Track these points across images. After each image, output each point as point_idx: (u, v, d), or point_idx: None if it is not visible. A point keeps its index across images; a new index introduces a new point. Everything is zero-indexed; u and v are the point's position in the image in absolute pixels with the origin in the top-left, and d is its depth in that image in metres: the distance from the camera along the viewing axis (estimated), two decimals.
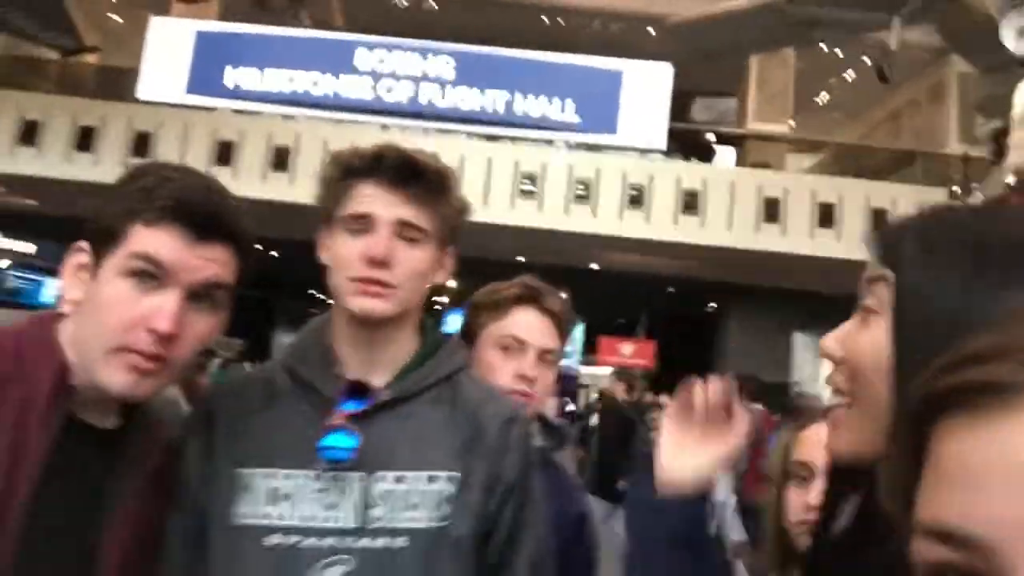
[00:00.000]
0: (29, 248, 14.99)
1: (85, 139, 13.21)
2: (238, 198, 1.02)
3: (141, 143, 13.16)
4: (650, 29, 15.79)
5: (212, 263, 0.94)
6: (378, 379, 1.09)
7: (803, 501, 1.23)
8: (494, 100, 13.50)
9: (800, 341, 14.70)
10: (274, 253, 15.10)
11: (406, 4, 16.44)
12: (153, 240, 0.91)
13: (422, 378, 1.11)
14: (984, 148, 12.86)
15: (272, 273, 15.73)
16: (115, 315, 0.89)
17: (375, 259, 1.05)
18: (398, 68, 13.56)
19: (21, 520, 0.83)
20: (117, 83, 14.51)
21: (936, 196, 12.32)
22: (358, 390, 1.06)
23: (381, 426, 1.05)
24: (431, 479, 1.05)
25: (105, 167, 13.09)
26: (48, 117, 13.27)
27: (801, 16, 11.47)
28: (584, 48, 14.52)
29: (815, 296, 13.99)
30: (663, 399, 9.22)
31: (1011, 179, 3.89)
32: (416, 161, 1.09)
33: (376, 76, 13.52)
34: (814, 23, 11.66)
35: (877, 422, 0.61)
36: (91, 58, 15.02)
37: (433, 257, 1.11)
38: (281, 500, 1.02)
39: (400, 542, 1.02)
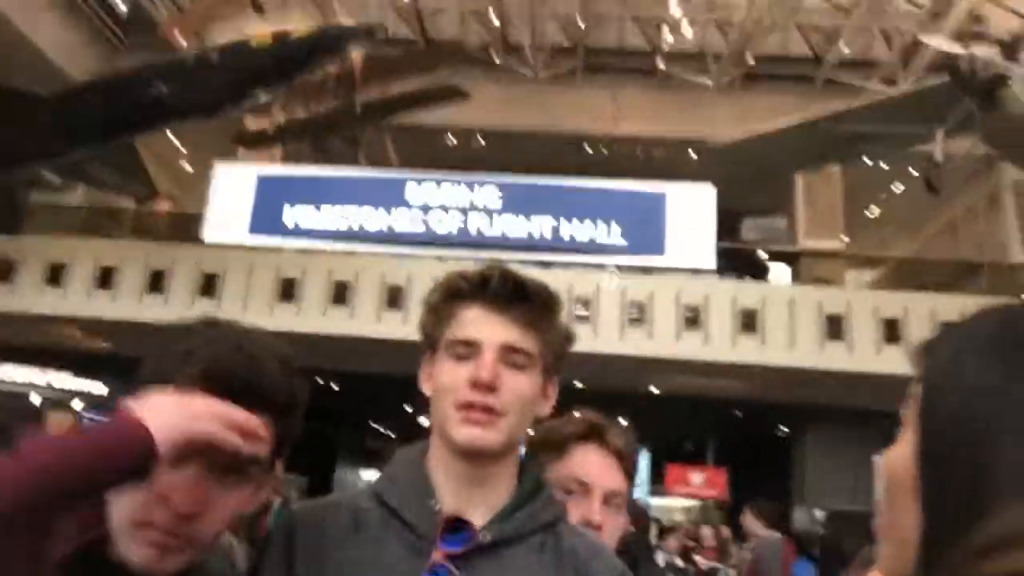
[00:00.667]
0: (102, 390, 15.47)
1: (156, 281, 13.86)
2: (282, 356, 0.95)
3: (208, 284, 13.74)
4: (692, 153, 16.19)
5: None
6: (476, 518, 1.00)
7: None
8: (540, 226, 13.83)
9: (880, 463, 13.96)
10: (334, 386, 15.25)
11: (455, 142, 17.26)
12: None
13: (524, 522, 1.02)
14: None
15: (333, 407, 15.85)
16: (135, 490, 0.83)
17: (481, 383, 0.99)
18: (447, 200, 14.08)
19: None
20: (187, 227, 15.37)
21: None
22: (457, 528, 0.99)
23: (480, 571, 0.96)
24: None
25: (174, 308, 13.64)
26: (123, 262, 14.02)
27: (842, 133, 11.64)
28: (627, 175, 14.93)
29: (893, 416, 13.38)
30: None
31: None
32: (522, 283, 1.06)
33: (426, 209, 14.04)
34: (856, 139, 11.81)
35: (902, 549, 0.53)
36: (165, 205, 15.99)
37: (539, 384, 1.05)
38: None
39: None
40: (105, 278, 13.92)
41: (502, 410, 1.00)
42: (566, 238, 13.75)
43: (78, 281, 13.74)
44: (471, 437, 0.99)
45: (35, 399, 14.63)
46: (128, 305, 13.68)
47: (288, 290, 13.71)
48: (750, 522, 5.96)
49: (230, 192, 14.30)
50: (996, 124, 9.82)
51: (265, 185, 14.41)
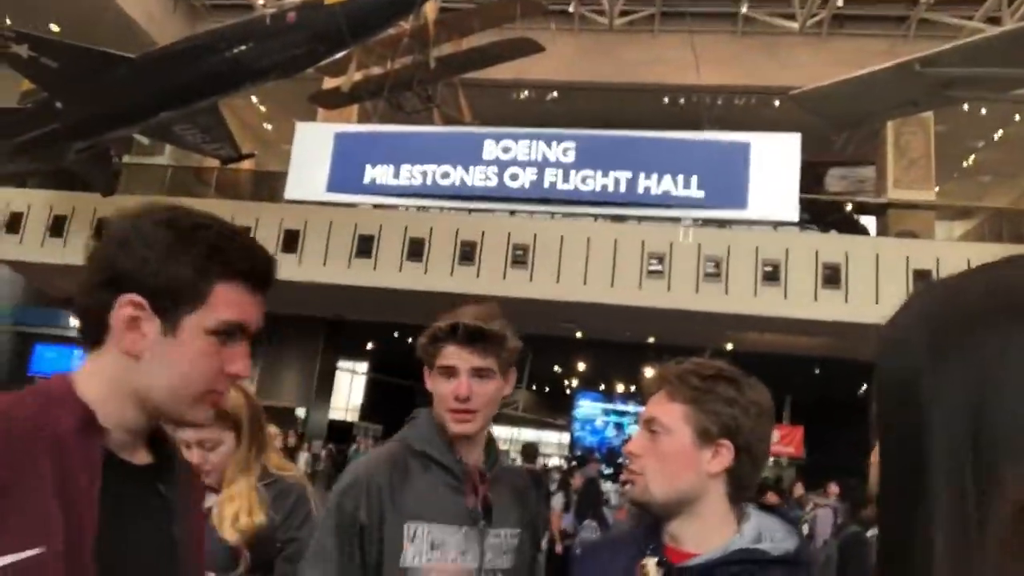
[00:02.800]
0: None
1: None
2: None
3: (291, 239, 14.16)
4: (776, 102, 15.58)
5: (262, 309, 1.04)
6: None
7: None
8: (616, 181, 13.62)
9: None
10: (411, 340, 15.62)
11: (530, 96, 17.09)
12: (237, 304, 0.96)
13: (498, 466, 1.65)
14: None
15: (413, 360, 16.25)
16: (203, 366, 0.95)
17: (460, 397, 1.53)
18: (522, 156, 14.02)
19: (96, 558, 0.84)
20: (269, 185, 15.82)
21: None
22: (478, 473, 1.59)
23: (493, 493, 1.57)
24: (513, 535, 1.59)
25: None
26: None
27: (938, 76, 10.96)
28: (709, 125, 14.49)
29: None
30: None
31: None
32: (481, 329, 1.55)
33: (501, 165, 14.02)
34: (954, 82, 11.10)
35: None
36: (247, 164, 16.49)
37: (499, 385, 1.60)
38: (438, 547, 1.48)
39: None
40: None
41: (476, 409, 1.55)
42: (641, 191, 13.53)
43: None
44: (458, 430, 1.56)
45: None
46: None
47: (365, 246, 14.01)
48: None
49: (310, 150, 14.61)
50: None
51: (343, 143, 14.66)
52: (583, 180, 13.68)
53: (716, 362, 1.28)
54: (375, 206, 14.87)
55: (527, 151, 14.03)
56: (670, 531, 1.21)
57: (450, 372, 1.56)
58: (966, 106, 14.13)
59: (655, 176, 13.48)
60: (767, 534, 1.17)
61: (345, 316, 16.54)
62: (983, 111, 14.91)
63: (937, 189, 15.77)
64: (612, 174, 13.64)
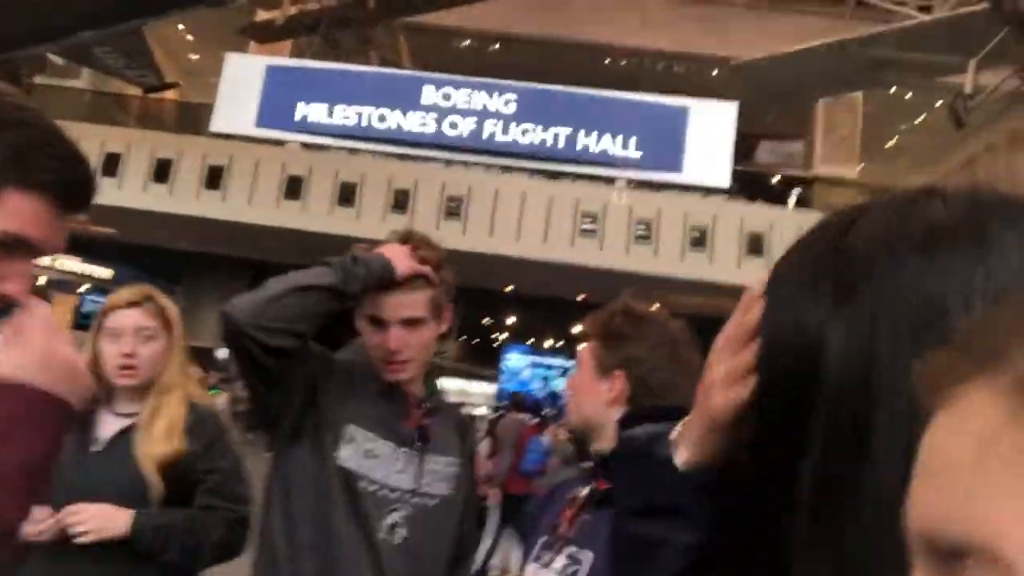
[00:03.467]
0: (107, 273, 15.62)
1: (162, 171, 13.78)
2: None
3: (214, 176, 13.66)
4: (715, 71, 15.75)
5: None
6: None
7: None
8: (556, 136, 13.62)
9: None
10: None
11: (471, 45, 16.78)
12: (27, 217, 0.83)
13: (437, 398, 1.65)
14: None
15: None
16: None
17: (391, 349, 1.48)
18: (462, 104, 13.81)
19: None
20: (193, 118, 15.15)
21: None
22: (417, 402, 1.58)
23: (430, 425, 1.56)
24: (449, 463, 1.57)
25: (179, 199, 13.61)
26: (129, 149, 13.90)
27: (871, 58, 11.26)
28: (647, 89, 14.55)
29: None
30: None
31: None
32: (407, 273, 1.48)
33: (441, 112, 13.79)
34: (885, 65, 11.44)
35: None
36: (170, 94, 15.72)
37: (433, 331, 1.54)
38: (372, 457, 1.47)
39: (433, 503, 1.52)
40: (111, 165, 13.83)
41: (409, 358, 1.50)
42: (580, 149, 13.55)
43: None
44: (393, 379, 1.51)
45: (42, 280, 14.82)
46: (133, 193, 13.64)
47: (294, 187, 13.63)
48: None
49: (239, 83, 14.03)
50: None
51: (275, 77, 14.12)
52: (523, 133, 13.60)
53: (633, 304, 1.32)
54: (304, 146, 14.45)
55: (467, 99, 13.83)
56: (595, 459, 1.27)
57: (378, 322, 1.48)
58: (893, 89, 14.60)
59: (595, 134, 13.51)
60: None
61: (270, 259, 16.16)
62: (908, 96, 15.43)
63: (861, 167, 16.34)
64: (552, 129, 13.61)
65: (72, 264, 15.50)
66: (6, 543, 0.75)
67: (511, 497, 6.63)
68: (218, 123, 14.03)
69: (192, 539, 1.68)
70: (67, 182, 0.84)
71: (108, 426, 1.75)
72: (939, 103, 15.75)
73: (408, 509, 1.48)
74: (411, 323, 1.49)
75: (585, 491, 1.26)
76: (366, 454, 1.46)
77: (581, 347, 1.36)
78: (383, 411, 1.51)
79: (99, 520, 1.62)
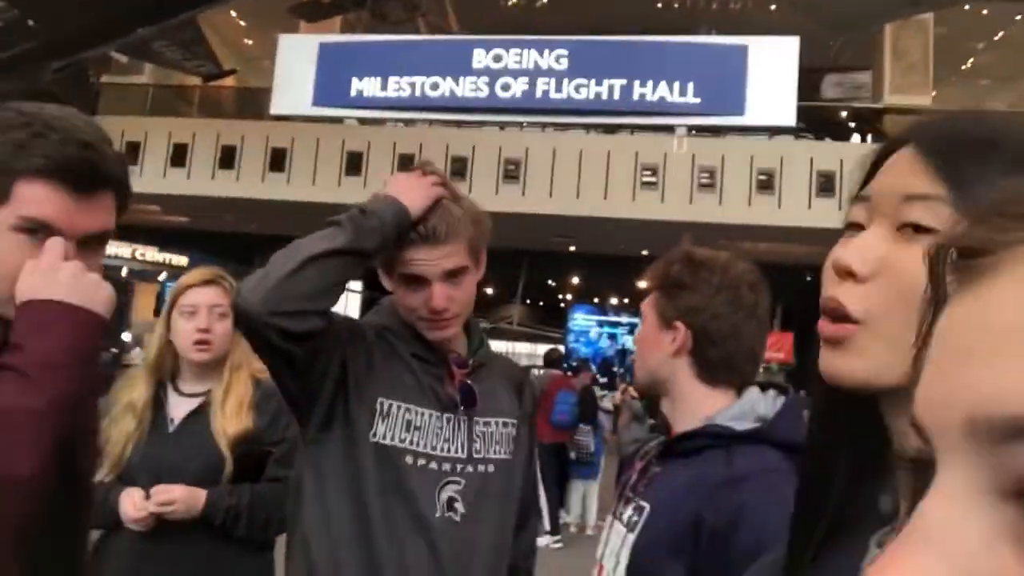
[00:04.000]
0: (183, 260, 16.23)
1: (227, 157, 14.13)
2: (101, 132, 0.99)
3: (277, 158, 13.93)
4: (773, 5, 15.11)
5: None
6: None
7: None
8: (610, 88, 13.33)
9: None
10: None
11: (517, 3, 16.52)
12: (41, 202, 0.92)
13: (485, 353, 1.49)
14: None
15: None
16: (7, 263, 0.92)
17: (436, 309, 1.34)
18: (513, 65, 13.65)
19: None
20: (253, 103, 15.44)
21: None
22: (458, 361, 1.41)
23: (475, 381, 1.40)
24: (504, 424, 1.43)
25: (245, 183, 13.96)
26: (194, 139, 14.30)
27: None
28: (703, 31, 14.08)
29: None
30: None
31: None
32: (444, 226, 1.33)
33: (492, 75, 13.68)
34: None
35: (896, 353, 0.51)
36: (230, 81, 16.06)
37: (474, 277, 1.41)
38: (416, 429, 1.33)
39: (490, 469, 1.38)
40: (179, 156, 14.26)
41: (454, 314, 1.37)
42: (636, 99, 13.25)
43: (153, 159, 14.12)
44: (438, 336, 1.38)
45: (124, 271, 15.49)
46: (202, 181, 14.06)
47: (355, 163, 13.80)
48: None
49: (294, 64, 14.21)
50: None
51: (327, 55, 14.23)
52: (576, 89, 13.37)
53: (691, 250, 1.27)
54: (361, 122, 14.57)
55: (518, 59, 13.66)
56: (664, 414, 1.26)
57: (416, 280, 1.34)
58: (967, 6, 13.74)
59: (650, 83, 13.18)
60: (750, 414, 1.16)
61: None
62: (984, 12, 14.50)
63: (934, 94, 15.50)
64: (606, 82, 13.32)
65: (151, 254, 16.17)
66: (19, 495, 0.80)
67: (540, 446, 6.89)
68: (277, 105, 14.27)
69: (262, 512, 1.76)
70: (66, 163, 0.92)
71: (179, 407, 1.83)
72: (1019, 16, 14.78)
73: (464, 480, 1.34)
74: (453, 275, 1.34)
75: (654, 444, 1.26)
76: (407, 426, 1.32)
77: (645, 300, 1.33)
78: (420, 376, 1.36)
79: (186, 500, 1.69)
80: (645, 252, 13.94)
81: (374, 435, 1.30)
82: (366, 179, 13.68)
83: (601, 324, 21.36)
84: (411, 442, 1.31)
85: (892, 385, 0.53)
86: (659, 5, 15.95)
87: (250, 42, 18.36)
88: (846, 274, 0.57)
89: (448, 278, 1.34)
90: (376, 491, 1.29)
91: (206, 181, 14.06)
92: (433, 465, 1.32)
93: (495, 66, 13.72)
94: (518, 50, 13.68)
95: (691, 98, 13.09)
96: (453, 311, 1.35)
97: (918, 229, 0.55)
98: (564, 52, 13.53)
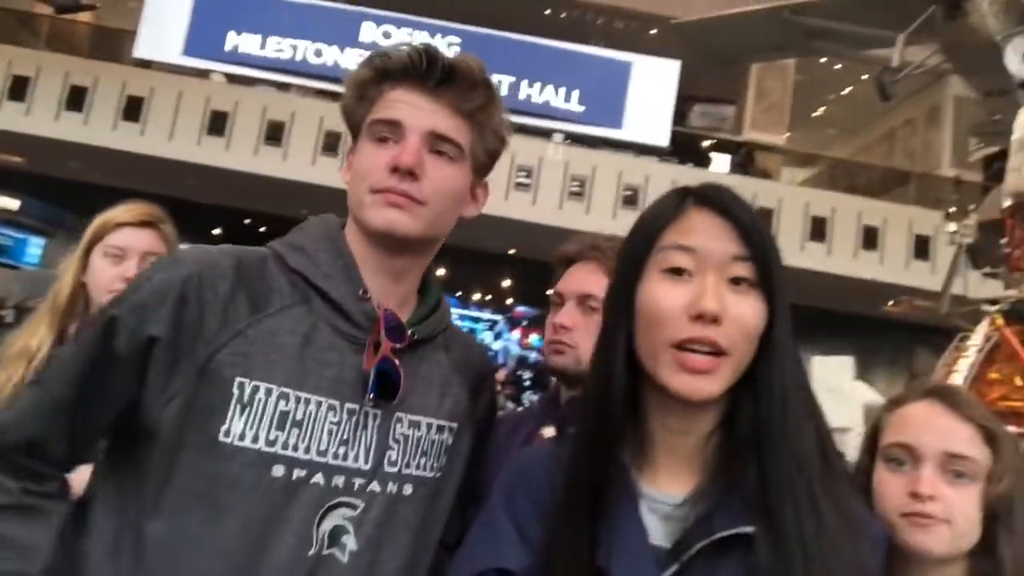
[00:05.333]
0: (13, 204, 14.77)
1: (76, 98, 12.99)
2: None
3: (133, 107, 12.96)
4: (653, 29, 15.73)
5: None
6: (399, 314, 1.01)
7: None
8: (498, 83, 13.35)
9: None
10: (263, 229, 14.98)
11: None
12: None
13: (436, 324, 1.05)
14: (975, 172, 12.93)
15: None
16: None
17: (402, 168, 0.94)
18: (403, 43, 13.45)
19: None
20: (110, 45, 14.28)
21: (928, 217, 12.38)
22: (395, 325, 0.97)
23: (405, 364, 0.97)
24: (439, 429, 1.02)
25: (94, 128, 12.89)
26: (38, 74, 13.04)
27: (805, 26, 11.44)
28: (586, 41, 14.45)
29: (805, 309, 13.96)
30: None
31: (1008, 202, 3.88)
32: (460, 67, 0.99)
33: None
34: (817, 34, 11.64)
35: (737, 373, 0.82)
36: (84, 17, 14.77)
37: (467, 180, 1.02)
38: (290, 426, 0.89)
39: (407, 489, 0.97)
40: (18, 88, 12.95)
41: (423, 199, 0.96)
42: (523, 98, 13.41)
43: None
44: (389, 219, 0.95)
45: None
46: (44, 121, 12.85)
47: (218, 123, 13.08)
48: None
49: (165, 7, 13.26)
50: (956, 36, 9.81)
51: (205, 2, 13.38)
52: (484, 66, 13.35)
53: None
54: (229, 79, 13.83)
55: (409, 39, 13.43)
56: None
57: (392, 131, 0.96)
58: (823, 59, 14.89)
59: (538, 85, 13.38)
60: None
61: (190, 197, 15.56)
62: (837, 66, 15.79)
63: (788, 135, 16.73)
64: (496, 76, 13.33)
65: None
66: None
67: None
68: (141, 49, 13.27)
69: None
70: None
71: None
72: (865, 76, 16.20)
73: (364, 502, 0.93)
74: (441, 143, 0.98)
75: (549, 430, 1.25)
76: (281, 421, 0.89)
77: (595, 284, 1.32)
78: (320, 343, 0.93)
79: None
80: (512, 251, 14.14)
81: (227, 433, 0.87)
82: (229, 141, 13.01)
83: (463, 318, 21.46)
84: (284, 444, 0.89)
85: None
86: (547, 11, 16.21)
87: None
88: (712, 319, 0.79)
89: (433, 140, 0.97)
90: (209, 518, 0.86)
91: (48, 121, 12.86)
92: (317, 479, 0.90)
93: (384, 42, 13.43)
94: (409, 30, 13.50)
95: (575, 105, 13.42)
96: (423, 192, 0.95)
97: (740, 281, 0.82)
98: (457, 40, 13.47)
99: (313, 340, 0.93)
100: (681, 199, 0.88)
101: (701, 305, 0.79)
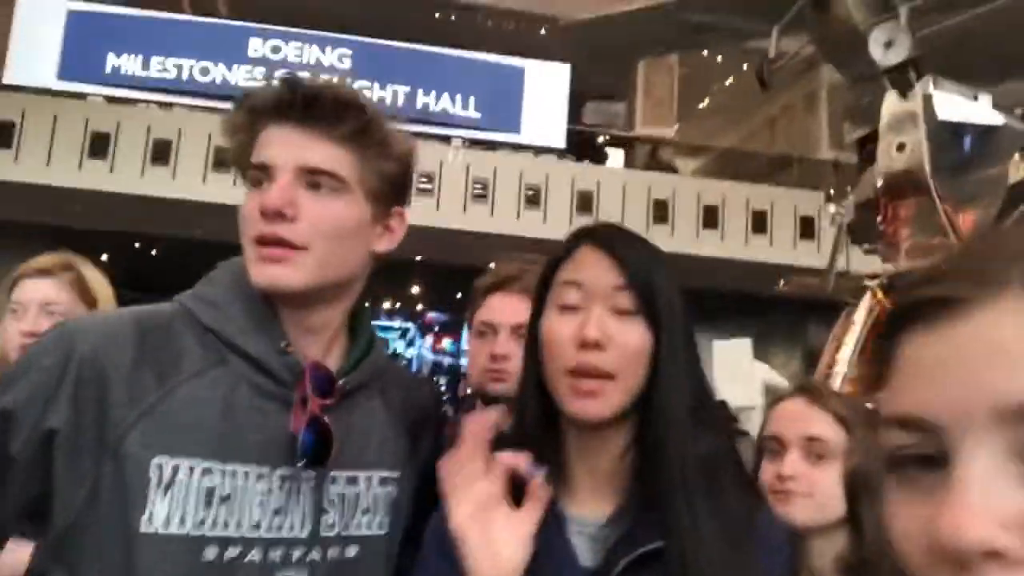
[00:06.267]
0: None
1: None
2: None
3: (5, 132, 12.17)
4: (543, 30, 15.97)
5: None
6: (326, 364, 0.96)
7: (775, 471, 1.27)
8: (394, 94, 13.33)
9: None
10: (153, 252, 14.36)
11: None
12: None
13: (370, 369, 1.00)
14: (852, 154, 13.73)
15: (147, 273, 14.92)
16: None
17: (267, 210, 0.86)
18: (292, 58, 13.16)
19: None
20: None
21: (811, 199, 13.07)
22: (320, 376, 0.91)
23: (336, 418, 0.91)
24: (382, 481, 0.96)
25: None
26: None
27: (687, 22, 11.87)
28: (476, 46, 14.54)
29: (705, 293, 14.45)
30: None
31: (880, 182, 4.16)
32: (325, 92, 0.93)
33: (269, 66, 13.07)
34: (700, 29, 12.10)
35: (627, 396, 0.88)
36: None
37: (360, 213, 0.94)
38: (218, 503, 0.83)
39: (352, 552, 0.92)
40: None
41: (301, 243, 0.88)
42: (420, 107, 13.36)
43: None
44: (269, 277, 0.88)
45: None
46: None
47: (100, 145, 12.44)
48: None
49: (35, 30, 12.52)
50: (825, 26, 10.38)
51: (78, 24, 12.71)
52: (360, 90, 13.18)
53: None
54: (109, 100, 13.19)
55: (299, 53, 13.19)
56: None
57: (263, 175, 0.91)
58: (705, 52, 15.49)
59: (434, 93, 13.36)
60: None
61: (74, 225, 14.74)
62: (718, 58, 16.46)
63: (677, 127, 17.30)
64: (391, 87, 13.30)
65: None
66: None
67: None
68: (12, 74, 12.48)
69: None
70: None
71: None
72: (745, 66, 16.95)
73: (308, 572, 0.89)
74: (314, 175, 0.91)
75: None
76: (207, 499, 0.83)
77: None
78: (237, 406, 0.87)
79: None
80: (419, 258, 14.04)
81: (149, 520, 0.81)
82: (112, 164, 12.40)
83: (374, 328, 21.21)
84: (214, 523, 0.83)
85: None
86: (437, 15, 16.19)
87: None
88: (594, 345, 0.86)
89: (307, 175, 0.90)
90: None
91: None
92: (254, 556, 0.85)
93: (273, 57, 13.12)
94: (299, 43, 13.22)
95: (472, 112, 13.48)
96: (298, 234, 0.88)
97: (624, 311, 0.89)
98: (348, 52, 13.29)
99: (234, 404, 0.86)
100: (577, 239, 0.97)
101: (583, 334, 0.88)
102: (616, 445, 0.90)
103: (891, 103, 4.33)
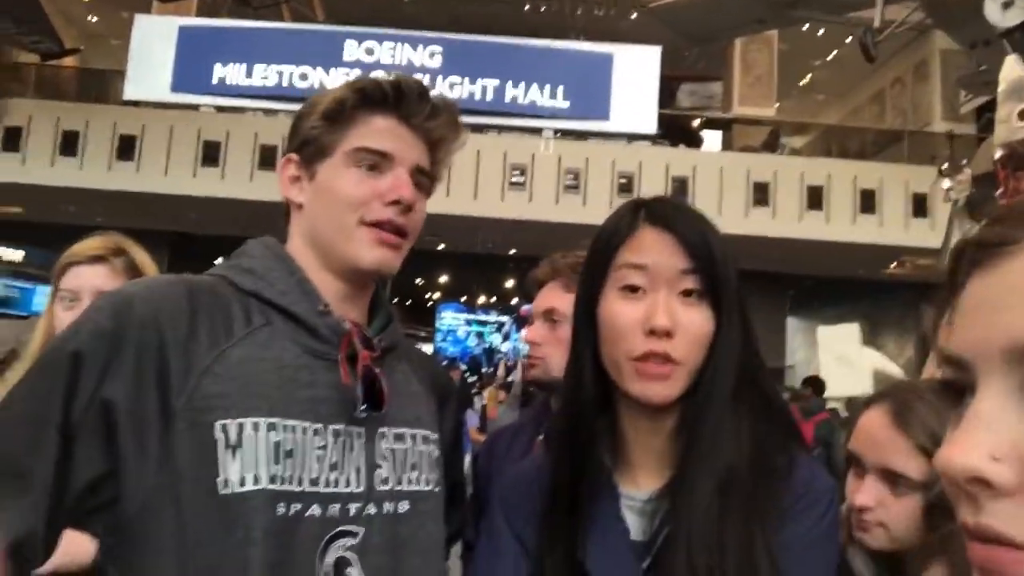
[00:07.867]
0: (17, 256, 14.87)
1: (69, 143, 13.09)
2: None
3: (126, 146, 13.05)
4: (634, 14, 15.74)
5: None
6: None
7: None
8: (483, 88, 13.47)
9: (792, 325, 14.72)
10: None
11: None
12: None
13: (395, 333, 1.01)
14: (968, 125, 12.89)
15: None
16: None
17: (404, 202, 0.94)
18: (385, 59, 13.50)
19: None
20: (99, 85, 14.39)
21: (924, 174, 12.36)
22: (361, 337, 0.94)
23: (376, 376, 0.93)
24: (425, 439, 0.99)
25: (89, 172, 12.99)
26: (30, 122, 13.14)
27: None
28: (568, 35, 14.49)
29: (806, 279, 13.97)
30: None
31: (999, 153, 3.88)
32: (438, 102, 1.01)
33: (364, 68, 13.47)
34: (796, 3, 11.63)
35: (690, 380, 0.88)
36: (69, 61, 14.87)
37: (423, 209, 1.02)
38: (283, 457, 0.82)
39: (404, 507, 0.92)
40: (11, 140, 13.06)
41: (409, 232, 0.97)
42: (508, 100, 13.45)
43: None
44: (382, 260, 0.95)
45: None
46: (39, 169, 12.95)
47: (212, 153, 13.15)
48: None
49: (150, 46, 13.36)
50: None
51: (188, 38, 13.48)
52: (451, 87, 13.40)
53: None
54: (219, 110, 13.91)
55: (391, 54, 13.52)
56: None
57: (380, 159, 0.95)
58: (806, 26, 14.87)
59: (523, 85, 13.42)
60: None
61: (192, 231, 15.66)
62: (820, 32, 15.77)
63: (777, 105, 16.70)
64: (480, 81, 13.44)
65: None
66: None
67: None
68: (131, 90, 13.37)
69: None
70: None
71: None
72: (849, 38, 16.17)
73: (364, 528, 0.88)
74: (423, 178, 1.00)
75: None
76: (275, 454, 0.82)
77: (557, 299, 1.44)
78: (292, 364, 0.88)
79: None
80: (513, 251, 14.17)
81: (225, 484, 0.80)
82: (223, 171, 13.08)
83: (469, 323, 21.47)
84: (283, 479, 0.82)
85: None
86: (527, 8, 16.24)
87: (94, 19, 17.08)
88: (664, 333, 0.86)
89: (417, 175, 0.98)
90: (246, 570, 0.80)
91: (44, 168, 12.96)
92: (313, 511, 0.84)
93: (367, 59, 13.51)
94: (391, 44, 13.55)
95: (560, 102, 13.45)
96: (410, 226, 0.97)
97: (690, 293, 0.87)
98: (438, 49, 13.52)
99: (285, 362, 0.88)
100: (633, 216, 0.93)
101: (653, 322, 0.86)
102: (672, 423, 0.91)
103: (1010, 68, 4.03)
